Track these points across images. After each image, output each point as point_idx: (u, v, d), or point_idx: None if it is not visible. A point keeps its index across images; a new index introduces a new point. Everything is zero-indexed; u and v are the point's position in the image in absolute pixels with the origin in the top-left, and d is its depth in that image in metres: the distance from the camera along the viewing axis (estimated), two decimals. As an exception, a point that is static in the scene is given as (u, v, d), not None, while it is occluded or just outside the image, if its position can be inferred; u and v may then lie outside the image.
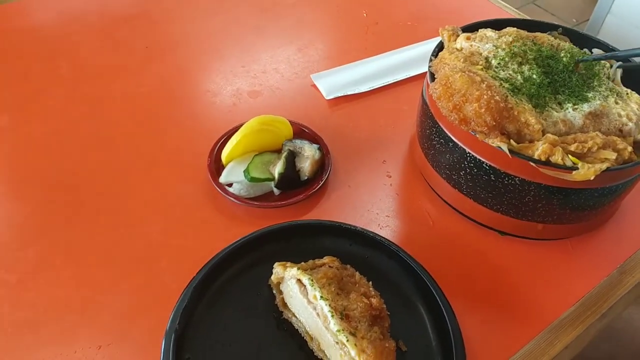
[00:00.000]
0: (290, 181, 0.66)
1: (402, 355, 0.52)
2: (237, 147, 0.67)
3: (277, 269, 0.55)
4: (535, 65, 0.63)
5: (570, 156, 0.55)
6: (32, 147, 0.73)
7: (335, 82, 0.84)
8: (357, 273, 0.55)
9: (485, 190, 0.61)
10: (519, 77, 0.61)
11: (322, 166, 0.69)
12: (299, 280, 0.53)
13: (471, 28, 0.71)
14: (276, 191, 0.66)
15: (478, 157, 0.59)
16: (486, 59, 0.64)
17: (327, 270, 0.54)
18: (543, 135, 0.57)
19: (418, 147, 0.70)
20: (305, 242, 0.60)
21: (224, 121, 0.76)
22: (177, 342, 0.50)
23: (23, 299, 0.56)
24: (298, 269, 0.53)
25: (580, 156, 0.56)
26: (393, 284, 0.58)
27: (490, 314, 0.58)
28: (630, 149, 0.57)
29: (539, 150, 0.55)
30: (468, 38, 0.67)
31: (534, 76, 0.61)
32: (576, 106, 0.60)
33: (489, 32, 0.68)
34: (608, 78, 0.66)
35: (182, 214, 0.65)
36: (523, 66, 0.62)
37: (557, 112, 0.60)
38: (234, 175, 0.66)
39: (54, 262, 0.60)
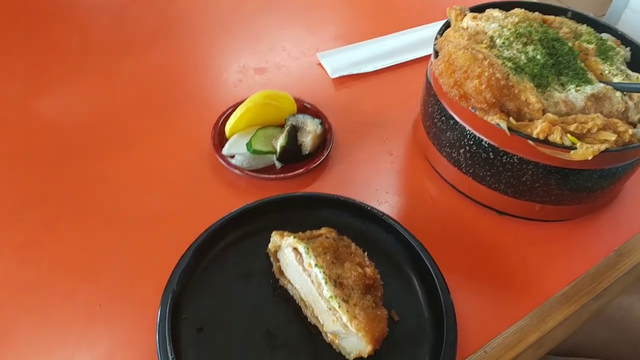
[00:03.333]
0: (292, 155, 0.67)
1: (394, 325, 0.53)
2: (240, 120, 0.68)
3: (275, 237, 0.56)
4: (540, 46, 0.63)
5: (569, 136, 0.55)
6: (41, 117, 0.74)
7: (341, 61, 0.85)
8: (353, 244, 0.56)
9: (484, 169, 0.62)
10: (523, 57, 0.61)
11: (324, 141, 0.70)
12: (295, 249, 0.54)
13: (479, 8, 0.71)
14: (278, 164, 0.67)
15: (477, 134, 0.59)
16: (491, 38, 0.64)
17: (324, 240, 0.55)
18: (543, 115, 0.57)
19: (421, 126, 0.71)
20: (304, 214, 0.61)
21: (229, 96, 0.77)
22: (175, 303, 0.52)
23: (28, 259, 0.58)
24: (294, 237, 0.54)
25: (580, 136, 0.56)
26: (389, 256, 0.59)
27: (484, 290, 0.59)
28: (631, 131, 0.57)
29: (538, 128, 0.55)
30: (474, 17, 0.67)
31: (538, 56, 0.61)
32: (579, 88, 0.60)
33: (495, 12, 0.68)
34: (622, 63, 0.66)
35: (185, 183, 0.66)
36: (527, 46, 0.62)
37: (559, 92, 0.60)
38: (236, 147, 0.67)
39: (59, 224, 0.61)
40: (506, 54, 0.62)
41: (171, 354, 0.47)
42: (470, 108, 0.57)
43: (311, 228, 0.57)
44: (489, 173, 0.62)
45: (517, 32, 0.63)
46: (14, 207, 0.63)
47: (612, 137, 0.55)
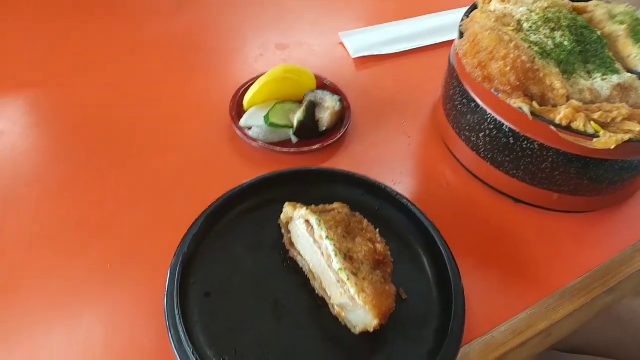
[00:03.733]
0: (309, 130, 0.67)
1: (402, 303, 0.53)
2: (259, 93, 0.68)
3: (287, 208, 0.55)
4: (568, 33, 0.61)
5: (593, 123, 0.54)
6: (66, 80, 0.75)
7: (363, 41, 0.84)
8: (365, 220, 0.56)
9: (503, 154, 0.61)
10: (550, 43, 0.60)
11: (341, 119, 0.69)
12: (307, 221, 0.54)
13: None
14: (294, 139, 0.67)
15: (499, 118, 0.58)
16: (518, 21, 0.63)
17: (336, 215, 0.54)
18: (567, 101, 0.56)
19: (441, 109, 0.70)
20: (318, 188, 0.61)
21: (250, 68, 0.77)
22: (185, 266, 0.52)
23: (43, 214, 0.59)
24: (307, 209, 0.54)
25: (604, 125, 0.55)
26: (400, 235, 0.58)
27: (495, 276, 0.58)
28: None
29: (561, 114, 0.54)
30: (503, 1, 0.66)
31: (566, 43, 0.60)
32: (605, 77, 0.59)
33: None
34: None
35: (201, 151, 0.66)
36: (555, 32, 0.61)
37: (584, 80, 0.59)
38: (254, 119, 0.67)
39: (76, 182, 0.62)
40: (533, 38, 0.60)
41: (178, 316, 0.48)
42: (493, 90, 0.56)
43: (324, 203, 0.57)
44: (507, 159, 0.61)
45: (546, 17, 0.62)
46: (33, 163, 0.64)
47: (637, 128, 0.54)
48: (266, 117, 0.66)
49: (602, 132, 0.53)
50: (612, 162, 0.57)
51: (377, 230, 0.54)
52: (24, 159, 0.64)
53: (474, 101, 0.60)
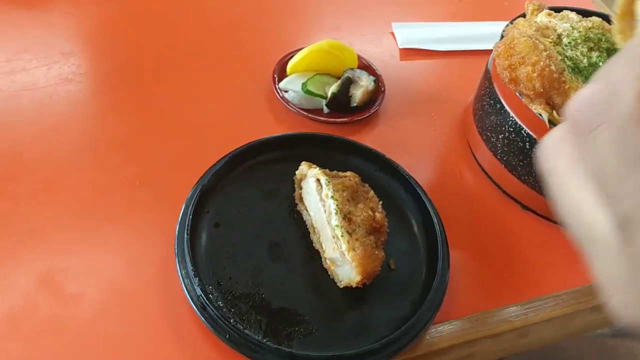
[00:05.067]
0: (340, 104, 0.71)
1: (389, 272, 0.57)
2: (302, 61, 0.73)
3: (303, 166, 0.60)
4: (605, 55, 0.63)
5: None
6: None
7: (414, 34, 0.87)
8: (372, 191, 0.59)
9: (518, 158, 0.63)
10: (585, 60, 0.62)
11: (373, 99, 0.73)
12: (318, 180, 0.58)
13: (558, 9, 0.71)
14: (325, 109, 0.71)
15: (519, 122, 0.61)
16: (559, 35, 0.65)
17: (346, 181, 0.58)
18: None
19: (470, 108, 0.73)
20: (337, 156, 0.65)
21: (299, 38, 0.82)
22: (202, 195, 0.57)
23: (89, 131, 0.66)
24: (321, 170, 0.59)
25: None
26: (401, 212, 0.62)
27: (485, 270, 0.61)
28: None
29: None
30: (549, 14, 0.68)
31: (600, 64, 0.62)
32: None
33: (572, 14, 0.68)
34: None
35: (240, 103, 0.72)
36: (593, 52, 0.63)
37: None
38: (292, 84, 0.72)
39: (123, 109, 0.69)
40: (569, 53, 0.62)
41: (187, 233, 0.53)
42: (517, 93, 0.59)
43: (339, 170, 0.61)
44: (521, 163, 0.63)
45: (587, 35, 0.64)
46: (88, 86, 0.71)
47: None
48: (304, 84, 0.71)
49: None
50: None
51: (381, 202, 0.58)
52: (81, 79, 0.72)
53: (500, 102, 0.63)
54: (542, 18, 0.67)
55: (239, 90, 0.74)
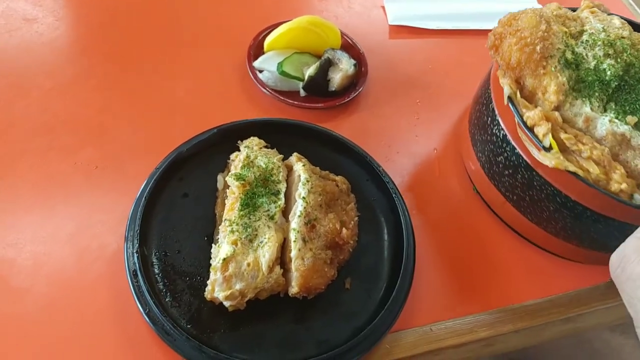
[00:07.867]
0: (318, 87, 0.66)
1: (342, 292, 0.53)
2: (280, 38, 0.68)
3: (294, 157, 0.57)
4: (618, 67, 0.55)
5: (551, 138, 0.50)
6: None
7: (406, 10, 0.81)
8: (353, 204, 0.56)
9: (499, 166, 0.58)
10: (592, 62, 0.55)
11: (353, 84, 0.68)
12: (299, 175, 0.55)
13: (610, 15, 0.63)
14: (302, 92, 0.67)
15: (501, 122, 0.56)
16: (582, 31, 0.58)
17: (329, 185, 0.55)
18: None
19: (467, 116, 0.67)
20: (323, 151, 0.61)
21: (280, 11, 0.76)
22: (175, 161, 0.56)
23: (51, 106, 0.62)
24: (304, 165, 0.55)
25: (563, 149, 0.50)
26: (378, 228, 0.58)
27: (454, 279, 0.58)
28: (625, 186, 0.48)
29: (531, 113, 0.51)
30: (593, 12, 0.61)
31: (608, 73, 0.54)
32: (616, 120, 0.52)
33: (616, 20, 0.60)
34: None
35: (211, 82, 0.68)
36: (608, 59, 0.55)
37: (590, 109, 0.53)
38: (268, 63, 0.67)
39: (87, 84, 0.65)
40: (579, 49, 0.56)
41: (146, 197, 0.52)
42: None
43: (329, 169, 0.58)
44: (500, 167, 0.58)
45: (613, 42, 0.56)
46: (55, 55, 0.67)
47: (596, 172, 0.49)
48: (279, 65, 0.66)
49: (554, 151, 0.50)
50: (588, 211, 0.52)
51: (357, 218, 0.55)
52: (46, 49, 0.67)
53: (492, 102, 0.58)
54: (584, 12, 0.61)
55: (213, 67, 0.69)
